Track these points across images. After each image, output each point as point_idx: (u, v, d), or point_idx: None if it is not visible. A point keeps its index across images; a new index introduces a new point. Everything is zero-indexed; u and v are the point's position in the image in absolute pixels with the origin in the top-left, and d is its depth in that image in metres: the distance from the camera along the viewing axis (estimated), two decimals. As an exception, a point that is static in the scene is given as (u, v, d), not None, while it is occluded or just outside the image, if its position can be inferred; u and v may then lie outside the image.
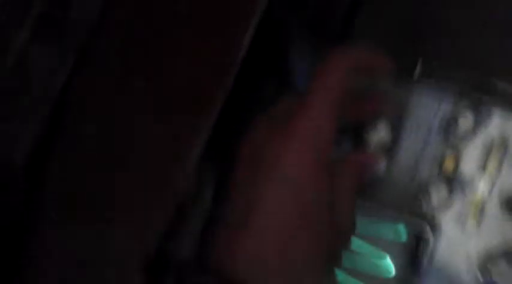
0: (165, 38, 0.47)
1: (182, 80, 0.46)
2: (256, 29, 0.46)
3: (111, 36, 0.46)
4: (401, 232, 0.50)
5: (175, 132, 0.46)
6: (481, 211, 0.49)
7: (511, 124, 0.49)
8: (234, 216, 0.38)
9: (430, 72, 0.50)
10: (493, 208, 0.49)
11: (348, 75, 0.39)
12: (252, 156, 0.39)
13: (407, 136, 0.50)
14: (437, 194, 0.49)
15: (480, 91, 0.49)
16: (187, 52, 0.46)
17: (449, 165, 0.49)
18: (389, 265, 0.50)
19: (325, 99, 0.38)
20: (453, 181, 0.49)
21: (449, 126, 0.49)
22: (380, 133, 0.50)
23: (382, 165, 0.49)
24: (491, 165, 0.49)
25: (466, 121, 0.49)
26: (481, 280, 0.48)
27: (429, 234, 0.49)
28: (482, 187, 0.49)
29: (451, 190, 0.49)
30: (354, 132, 0.49)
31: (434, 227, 0.49)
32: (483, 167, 0.49)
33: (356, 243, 0.49)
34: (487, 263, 0.48)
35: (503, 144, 0.49)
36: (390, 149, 0.50)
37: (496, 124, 0.49)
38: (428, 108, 0.50)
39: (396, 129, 0.50)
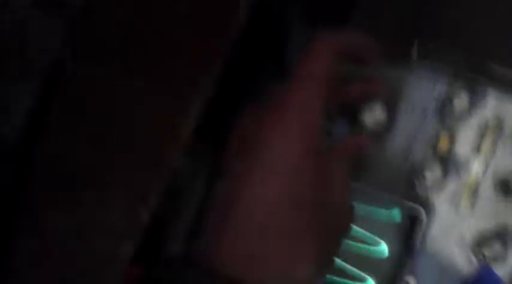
0: (165, 38, 0.47)
1: (182, 80, 0.46)
2: (255, 20, 0.46)
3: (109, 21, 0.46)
4: (395, 213, 0.49)
5: (169, 110, 0.46)
6: (474, 192, 0.49)
7: (506, 105, 0.49)
8: (224, 205, 0.38)
9: (425, 54, 0.50)
10: (487, 189, 0.49)
11: (333, 62, 0.39)
12: (242, 144, 0.39)
13: (402, 117, 0.50)
14: (431, 175, 0.49)
15: (475, 72, 0.49)
16: (187, 52, 0.46)
17: (443, 145, 0.49)
18: (383, 248, 0.49)
19: (309, 86, 0.38)
20: (447, 162, 0.49)
21: (444, 107, 0.49)
22: (375, 115, 0.49)
23: (376, 147, 0.49)
24: (486, 146, 0.49)
25: (461, 102, 0.49)
26: (474, 261, 0.48)
27: (423, 215, 0.49)
28: (476, 168, 0.49)
29: (445, 171, 0.49)
30: (350, 114, 0.49)
31: (428, 209, 0.49)
32: (478, 148, 0.49)
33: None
34: (480, 245, 0.48)
35: (498, 125, 0.49)
36: (385, 130, 0.50)
37: (491, 105, 0.49)
38: (423, 89, 0.50)
39: (391, 110, 0.50)
